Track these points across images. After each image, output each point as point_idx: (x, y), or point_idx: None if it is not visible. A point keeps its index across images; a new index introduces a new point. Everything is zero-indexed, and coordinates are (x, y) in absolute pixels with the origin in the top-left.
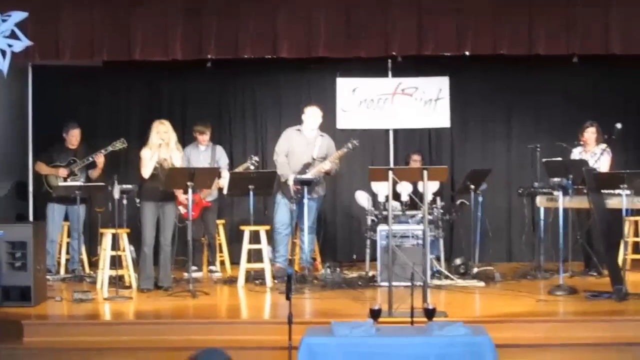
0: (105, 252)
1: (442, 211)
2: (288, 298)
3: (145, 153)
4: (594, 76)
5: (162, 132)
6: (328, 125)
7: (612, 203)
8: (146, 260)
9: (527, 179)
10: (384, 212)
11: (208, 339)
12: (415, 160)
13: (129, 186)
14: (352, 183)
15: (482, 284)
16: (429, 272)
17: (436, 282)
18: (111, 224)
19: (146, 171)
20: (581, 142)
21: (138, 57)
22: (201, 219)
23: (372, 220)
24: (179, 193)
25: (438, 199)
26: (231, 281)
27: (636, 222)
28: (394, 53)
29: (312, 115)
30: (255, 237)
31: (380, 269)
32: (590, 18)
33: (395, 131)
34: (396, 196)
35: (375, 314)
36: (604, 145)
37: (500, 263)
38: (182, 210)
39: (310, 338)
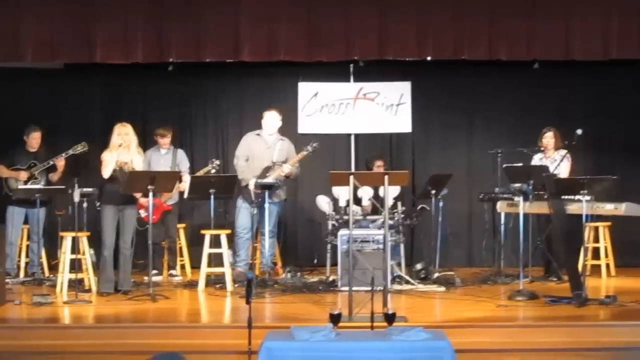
0: (65, 255)
1: (403, 216)
2: (248, 302)
3: (106, 156)
4: (555, 82)
5: (123, 134)
6: (290, 129)
7: (572, 209)
8: (106, 264)
9: (488, 184)
10: (345, 217)
11: (168, 343)
12: (379, 166)
13: (90, 189)
14: (313, 187)
15: (442, 288)
16: (389, 277)
17: (397, 287)
18: (71, 227)
19: (106, 171)
20: (541, 148)
21: (99, 59)
22: (162, 223)
23: (333, 225)
24: (138, 196)
25: (399, 203)
26: (191, 285)
27: (596, 228)
28: (355, 57)
29: (270, 119)
30: (215, 241)
31: (341, 274)
32: (551, 24)
33: (357, 136)
34: (357, 201)
35: (335, 319)
36: (563, 152)
37: (461, 268)
38: (142, 213)
39: (270, 342)
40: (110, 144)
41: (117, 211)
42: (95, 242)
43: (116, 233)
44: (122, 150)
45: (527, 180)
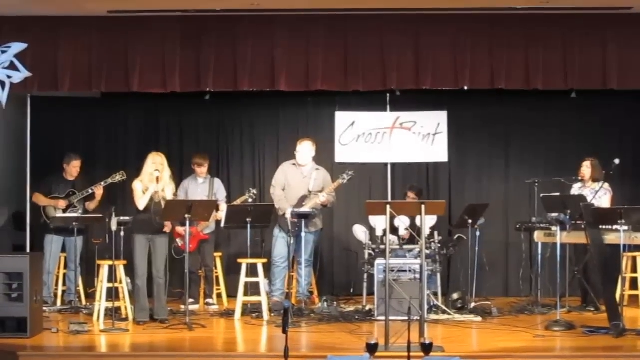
0: (102, 283)
1: (439, 245)
2: (285, 331)
3: (137, 185)
4: (592, 111)
5: (159, 164)
6: (327, 158)
7: (609, 238)
8: (140, 293)
9: (525, 213)
10: (382, 246)
11: None
12: (413, 199)
13: (127, 218)
14: (350, 216)
15: (479, 318)
16: (426, 307)
17: (433, 316)
18: (108, 255)
19: (142, 203)
20: (580, 178)
21: (136, 89)
22: (198, 252)
23: (370, 254)
24: (167, 226)
25: (436, 233)
26: (228, 314)
27: (634, 258)
28: (392, 87)
29: (304, 148)
30: (252, 270)
31: (378, 303)
32: (588, 53)
33: (393, 165)
34: (394, 230)
35: (372, 348)
36: (602, 182)
37: (498, 298)
38: (179, 242)
39: None
40: (142, 172)
41: (148, 240)
42: (131, 270)
43: (150, 262)
44: (155, 180)
45: (564, 210)
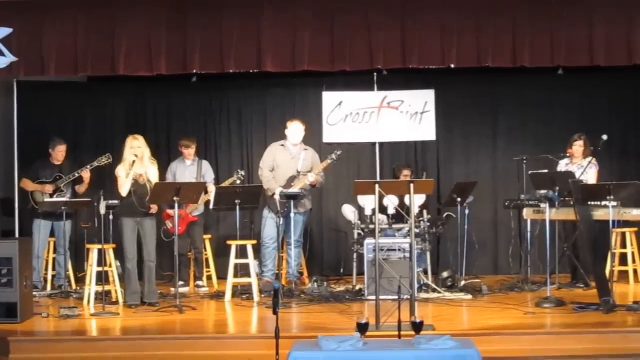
0: (92, 267)
1: (428, 224)
2: (275, 312)
3: (120, 171)
4: (579, 88)
5: (136, 147)
6: (314, 138)
7: (598, 214)
8: (130, 276)
9: (514, 191)
10: (371, 226)
11: (195, 354)
12: (406, 175)
13: (115, 201)
14: (339, 196)
15: (469, 296)
16: (416, 285)
17: (423, 295)
18: (97, 239)
19: (124, 190)
20: (568, 154)
21: (122, 72)
22: (187, 234)
23: (359, 234)
24: (153, 208)
25: (424, 211)
26: (218, 296)
27: (623, 234)
28: (378, 66)
29: (294, 129)
30: (242, 252)
31: (367, 283)
32: (575, 30)
33: (381, 144)
34: (382, 209)
35: (362, 328)
36: (590, 158)
37: (487, 275)
38: (168, 224)
39: (297, 352)
40: (123, 157)
41: (136, 223)
42: (121, 254)
43: (140, 245)
44: (136, 163)
45: (552, 186)
